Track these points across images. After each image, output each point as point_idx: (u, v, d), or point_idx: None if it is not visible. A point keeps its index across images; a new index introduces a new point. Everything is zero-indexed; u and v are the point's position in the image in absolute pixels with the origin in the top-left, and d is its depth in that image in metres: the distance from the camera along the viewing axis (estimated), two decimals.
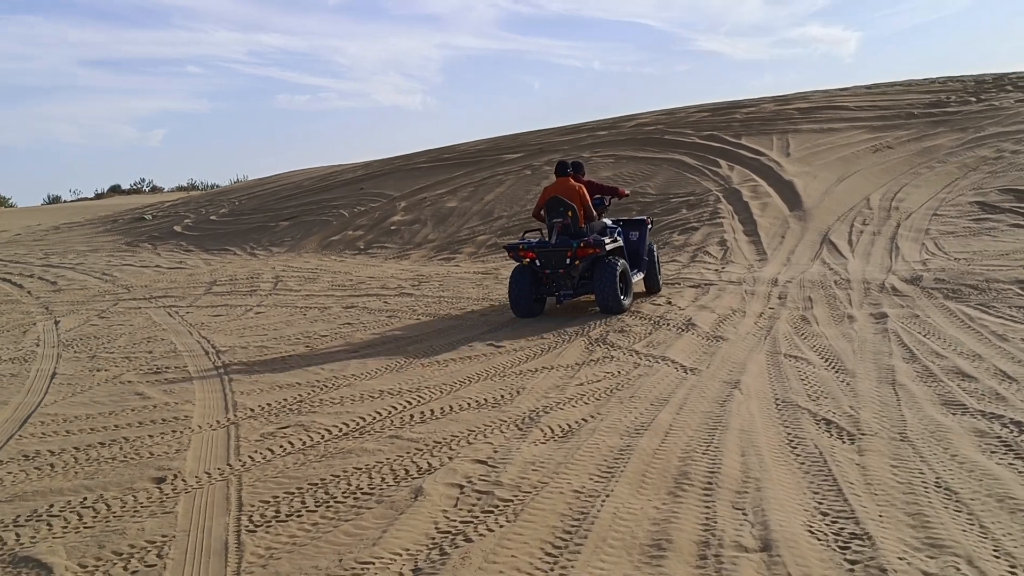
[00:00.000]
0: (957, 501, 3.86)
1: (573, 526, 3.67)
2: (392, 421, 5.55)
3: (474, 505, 3.95)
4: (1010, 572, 3.24)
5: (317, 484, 4.36)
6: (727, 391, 5.92)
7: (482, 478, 4.26)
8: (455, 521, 3.79)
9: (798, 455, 4.57)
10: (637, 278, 9.99)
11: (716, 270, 11.79)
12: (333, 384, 6.78)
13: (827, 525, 3.65)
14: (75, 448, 5.37)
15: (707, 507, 3.85)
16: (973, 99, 20.65)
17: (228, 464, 4.82)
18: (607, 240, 9.38)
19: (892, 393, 5.77)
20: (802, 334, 7.86)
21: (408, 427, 5.37)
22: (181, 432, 5.60)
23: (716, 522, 3.69)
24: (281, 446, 5.10)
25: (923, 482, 4.14)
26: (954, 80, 23.55)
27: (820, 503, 3.89)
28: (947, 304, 8.71)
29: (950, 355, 6.77)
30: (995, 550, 3.40)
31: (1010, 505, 3.80)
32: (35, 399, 6.87)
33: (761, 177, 16.70)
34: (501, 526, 3.70)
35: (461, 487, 4.15)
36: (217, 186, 53.94)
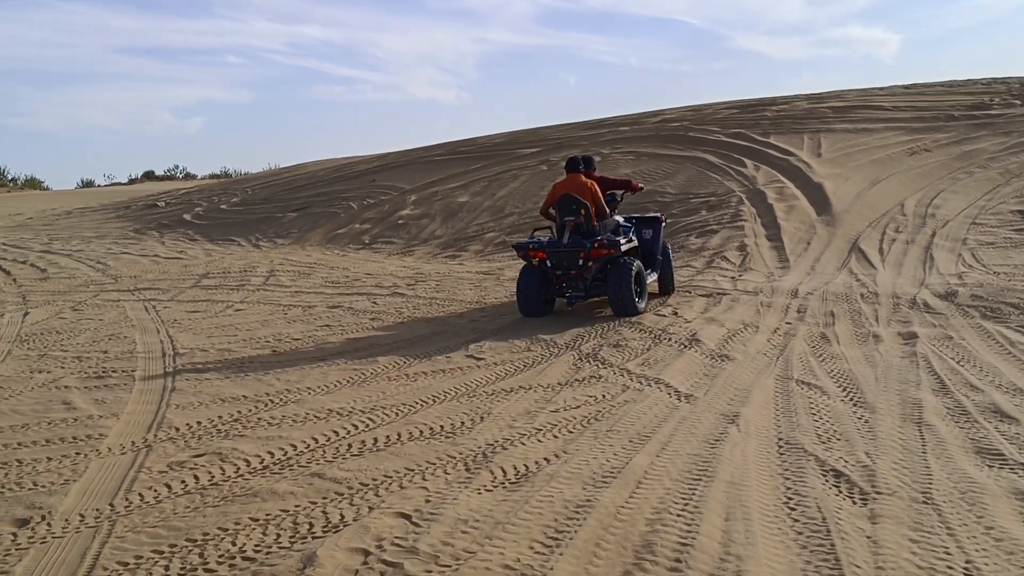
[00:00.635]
0: None
1: None
2: (325, 452, 4.76)
3: None
4: None
5: (196, 541, 3.57)
6: (722, 427, 5.07)
7: (397, 542, 3.45)
8: None
9: (796, 520, 3.71)
10: (651, 279, 9.41)
11: (732, 278, 10.88)
12: (281, 400, 6.03)
13: None
14: None
15: None
16: (1018, 102, 19.41)
17: (111, 504, 4.06)
18: (622, 240, 8.85)
19: (917, 435, 4.90)
20: (820, 355, 6.98)
21: (339, 461, 4.58)
22: (84, 456, 4.86)
23: None
24: (183, 481, 4.33)
25: (948, 566, 3.28)
26: (998, 82, 22.26)
27: None
28: (984, 324, 7.77)
29: (987, 388, 5.86)
30: None
31: None
32: None
33: (788, 178, 15.69)
34: None
35: (366, 555, 3.34)
36: (248, 174, 53.70)
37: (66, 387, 6.65)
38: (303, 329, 8.89)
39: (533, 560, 3.28)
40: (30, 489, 4.34)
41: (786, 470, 4.37)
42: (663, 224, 10.08)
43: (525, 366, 6.88)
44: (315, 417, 5.52)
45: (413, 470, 4.38)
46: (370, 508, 3.85)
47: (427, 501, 3.91)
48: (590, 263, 8.74)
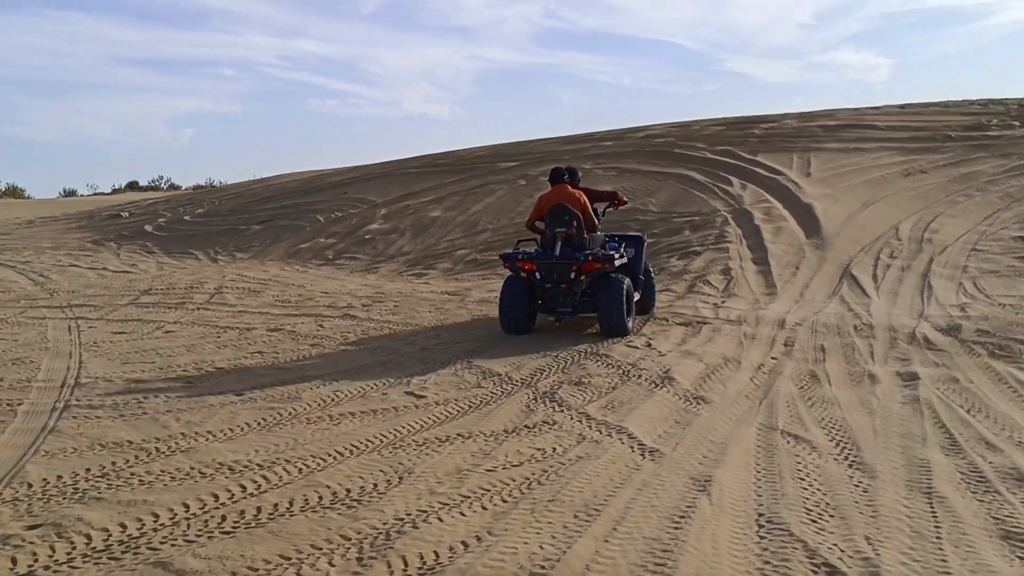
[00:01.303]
0: None
1: None
2: (189, 527, 3.79)
3: None
4: None
5: None
6: (691, 496, 4.14)
7: None
8: None
9: None
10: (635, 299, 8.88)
11: (715, 305, 9.97)
12: (168, 448, 5.05)
13: None
14: None
15: None
16: (1017, 123, 18.67)
17: None
18: (615, 255, 8.36)
19: (928, 512, 3.99)
20: (809, 399, 6.08)
21: (200, 542, 3.60)
22: None
23: None
24: None
25: None
26: (995, 103, 21.54)
27: None
28: (993, 365, 6.90)
29: (1005, 446, 4.97)
30: None
31: None
32: None
33: (776, 198, 14.83)
34: None
35: None
36: (223, 184, 52.65)
37: None
38: (231, 356, 7.91)
39: None
40: None
41: (767, 562, 3.43)
42: (645, 244, 9.51)
43: (470, 407, 5.94)
44: (199, 473, 4.55)
45: (289, 559, 3.41)
46: None
47: None
48: (582, 277, 8.34)
